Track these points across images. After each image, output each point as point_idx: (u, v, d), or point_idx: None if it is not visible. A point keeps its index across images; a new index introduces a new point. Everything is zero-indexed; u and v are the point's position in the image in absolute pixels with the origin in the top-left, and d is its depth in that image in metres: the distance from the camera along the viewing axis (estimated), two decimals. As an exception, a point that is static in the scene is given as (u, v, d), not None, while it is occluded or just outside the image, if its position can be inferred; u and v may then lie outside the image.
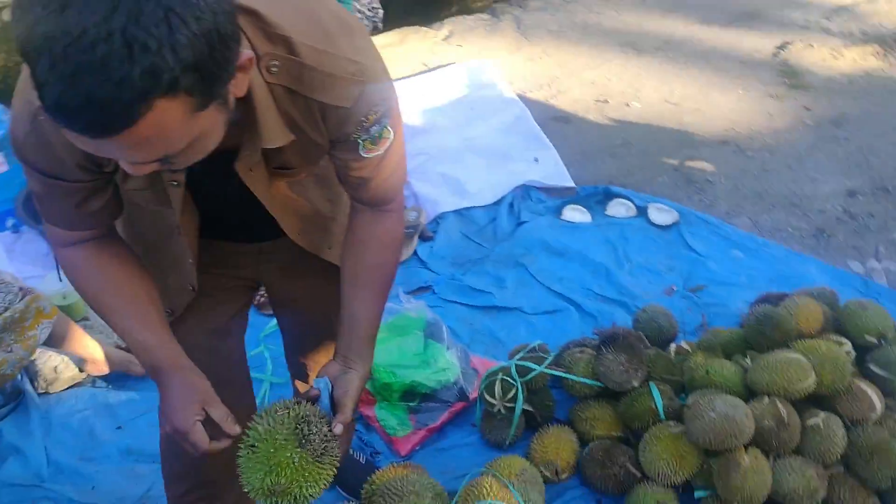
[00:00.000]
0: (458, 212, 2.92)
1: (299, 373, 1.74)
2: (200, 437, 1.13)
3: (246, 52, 0.89)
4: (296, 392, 1.51)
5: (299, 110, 1.03)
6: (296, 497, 1.14)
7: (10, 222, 2.77)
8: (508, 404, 2.06)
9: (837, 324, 2.16)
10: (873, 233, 2.78)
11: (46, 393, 2.24)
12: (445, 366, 2.22)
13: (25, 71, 0.99)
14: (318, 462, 1.15)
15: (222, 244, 1.35)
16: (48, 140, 1.00)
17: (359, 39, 1.06)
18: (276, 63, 0.98)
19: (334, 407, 1.23)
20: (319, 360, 1.68)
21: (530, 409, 2.10)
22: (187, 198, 1.16)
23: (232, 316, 1.51)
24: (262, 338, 2.41)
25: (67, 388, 2.24)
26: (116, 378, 2.27)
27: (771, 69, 3.76)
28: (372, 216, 1.28)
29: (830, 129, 3.32)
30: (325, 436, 1.17)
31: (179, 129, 0.84)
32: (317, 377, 1.26)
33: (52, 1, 0.73)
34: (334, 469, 1.19)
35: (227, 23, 0.81)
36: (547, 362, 2.10)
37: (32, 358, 1.97)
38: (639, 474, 1.90)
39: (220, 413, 1.16)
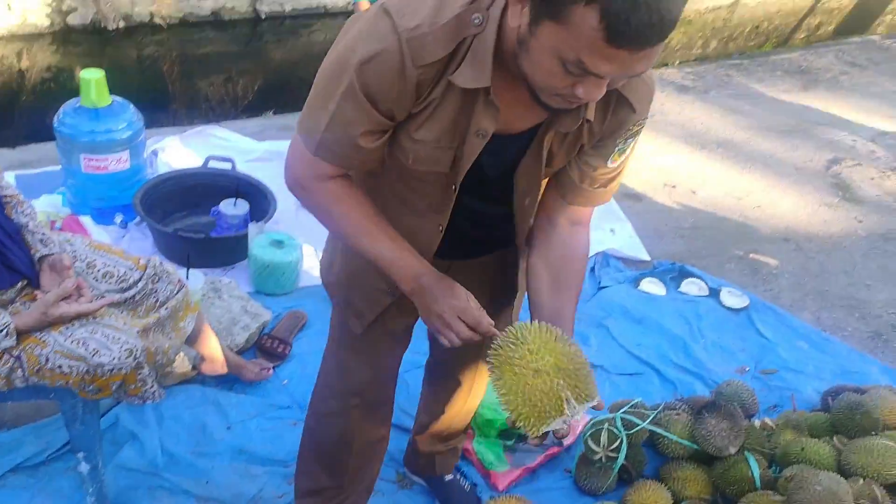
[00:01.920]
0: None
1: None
2: (480, 313, 1.27)
3: None
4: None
5: (601, 99, 1.12)
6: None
7: (118, 218, 2.86)
8: (611, 454, 2.16)
9: (912, 420, 2.32)
10: (927, 343, 2.96)
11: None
12: (544, 410, 2.32)
13: (381, 5, 1.12)
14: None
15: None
16: (402, 66, 1.09)
17: None
18: None
19: None
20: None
21: (625, 462, 2.20)
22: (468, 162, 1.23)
23: (409, 324, 1.62)
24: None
25: (178, 384, 2.31)
26: (226, 380, 2.34)
27: (824, 180, 4.02)
28: (570, 232, 1.37)
29: (881, 243, 3.55)
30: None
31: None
32: None
33: None
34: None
35: None
36: (650, 419, 2.22)
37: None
38: (736, 536, 2.01)
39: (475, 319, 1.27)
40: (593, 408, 1.25)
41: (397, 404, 1.90)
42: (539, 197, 1.37)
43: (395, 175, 1.29)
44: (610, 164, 1.29)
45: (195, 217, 2.92)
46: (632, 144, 1.29)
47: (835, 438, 2.21)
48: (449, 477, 2.12)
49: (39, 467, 2.02)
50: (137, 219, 2.79)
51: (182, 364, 2.31)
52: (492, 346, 1.22)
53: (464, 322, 1.26)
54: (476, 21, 1.10)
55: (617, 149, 1.27)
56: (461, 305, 1.26)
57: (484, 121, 1.17)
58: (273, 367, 2.40)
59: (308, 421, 1.79)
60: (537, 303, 1.36)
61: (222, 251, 2.74)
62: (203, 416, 2.24)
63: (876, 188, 4.00)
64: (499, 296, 1.59)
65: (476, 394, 1.95)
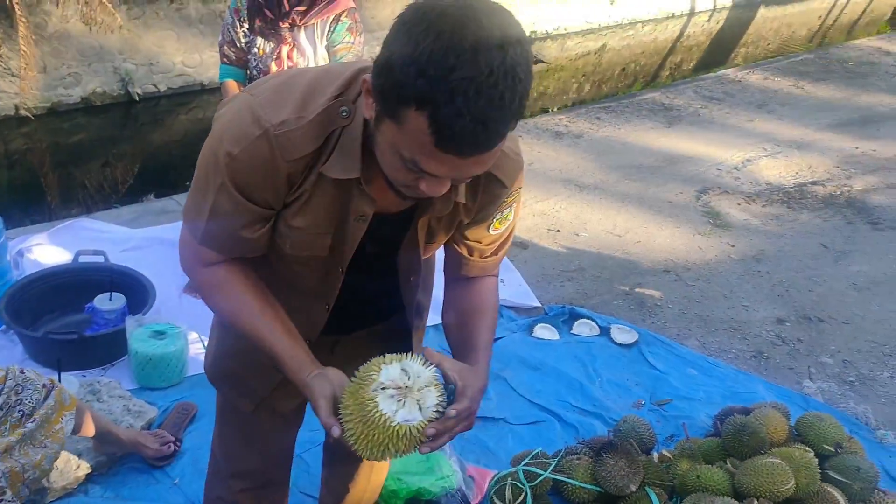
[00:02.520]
0: (436, 326, 3.07)
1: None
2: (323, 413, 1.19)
3: None
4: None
5: (471, 180, 1.17)
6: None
7: (-17, 326, 2.69)
8: (517, 509, 2.16)
9: (796, 434, 2.43)
10: (804, 356, 3.13)
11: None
12: (448, 472, 2.30)
13: (247, 97, 1.14)
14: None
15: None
16: (272, 161, 1.12)
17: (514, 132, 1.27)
18: None
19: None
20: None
21: (533, 514, 2.20)
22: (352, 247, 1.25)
23: (301, 403, 1.58)
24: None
25: (59, 498, 2.15)
26: (111, 486, 2.21)
27: (696, 210, 4.24)
28: (475, 284, 1.40)
29: (753, 265, 3.76)
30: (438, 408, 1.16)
31: (500, 149, 1.03)
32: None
33: (465, 50, 0.92)
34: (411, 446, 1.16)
35: None
36: (551, 468, 2.23)
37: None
38: (646, 574, 2.03)
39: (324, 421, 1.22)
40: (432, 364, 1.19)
41: (297, 486, 1.84)
42: (421, 274, 1.39)
43: (278, 259, 1.29)
44: (493, 233, 1.34)
45: (69, 316, 2.78)
46: (511, 212, 1.34)
47: (728, 462, 2.28)
48: None
49: None
50: (2, 326, 2.63)
51: (62, 478, 2.17)
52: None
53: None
54: (343, 114, 1.12)
55: (495, 219, 1.32)
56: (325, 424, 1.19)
57: (362, 206, 1.20)
58: (173, 449, 2.30)
59: None
60: (451, 347, 1.37)
61: (99, 349, 2.61)
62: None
63: (743, 213, 4.26)
64: None
65: (380, 469, 1.92)
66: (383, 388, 1.14)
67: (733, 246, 3.90)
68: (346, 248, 1.25)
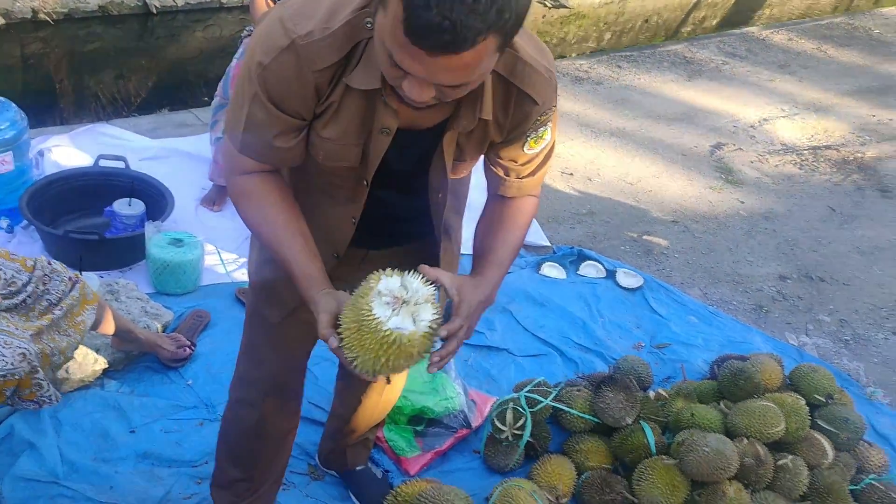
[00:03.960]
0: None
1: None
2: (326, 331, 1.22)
3: None
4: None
5: (500, 97, 1.21)
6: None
7: (4, 223, 2.73)
8: (517, 432, 2.24)
9: (789, 384, 2.51)
10: (802, 312, 3.20)
11: (53, 392, 2.22)
12: (452, 394, 2.38)
13: (279, 9, 1.16)
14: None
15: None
16: (299, 71, 1.14)
17: (545, 48, 1.27)
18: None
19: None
20: None
21: (531, 439, 2.28)
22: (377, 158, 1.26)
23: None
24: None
25: (76, 390, 2.23)
26: (126, 382, 2.29)
27: (709, 165, 4.25)
28: (511, 202, 1.40)
29: (761, 222, 3.79)
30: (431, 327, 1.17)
31: (485, 62, 1.02)
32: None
33: None
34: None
35: None
36: (552, 396, 2.31)
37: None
38: (636, 501, 2.12)
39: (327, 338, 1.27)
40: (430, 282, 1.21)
41: (306, 397, 1.91)
42: (449, 191, 1.39)
43: (315, 169, 1.33)
44: (528, 152, 1.33)
45: (87, 219, 2.83)
46: (546, 130, 1.34)
47: (721, 403, 2.36)
48: (361, 467, 2.15)
49: (-74, 486, 1.93)
50: (24, 222, 2.67)
51: (80, 369, 2.24)
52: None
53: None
54: (368, 25, 1.13)
55: (529, 137, 1.31)
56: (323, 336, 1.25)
57: (386, 119, 1.22)
58: (188, 352, 2.37)
59: (224, 413, 1.79)
60: (473, 259, 1.38)
61: (118, 252, 2.66)
62: (104, 421, 2.18)
63: (755, 171, 4.27)
64: None
65: (393, 387, 1.97)
66: (380, 296, 1.16)
67: (743, 202, 3.93)
68: (370, 159, 1.27)
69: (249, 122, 1.22)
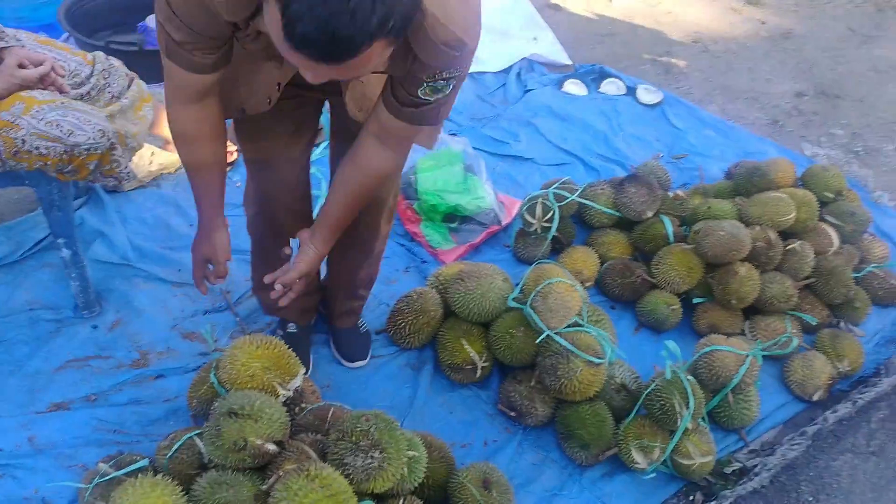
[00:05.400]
0: (471, 76, 3.20)
1: None
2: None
3: None
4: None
5: (401, 50, 1.16)
6: None
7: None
8: (545, 224, 2.42)
9: (801, 185, 2.65)
10: (816, 126, 3.30)
11: (115, 191, 2.39)
12: (483, 194, 2.54)
13: None
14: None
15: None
16: (206, 5, 1.16)
17: (472, 17, 1.19)
18: None
19: None
20: None
21: (557, 233, 2.46)
22: None
23: (306, 144, 1.72)
24: (314, 161, 2.64)
25: (135, 189, 2.39)
26: (182, 182, 2.44)
27: (731, -15, 4.21)
28: (377, 148, 1.43)
29: (781, 42, 3.81)
30: None
31: (376, 61, 1.02)
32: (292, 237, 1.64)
33: None
34: None
35: None
36: (578, 193, 2.47)
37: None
38: (654, 281, 2.32)
39: (220, 268, 1.65)
40: None
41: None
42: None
43: (243, 54, 1.38)
44: (421, 95, 1.29)
45: (122, 35, 2.88)
46: (447, 87, 1.29)
47: (736, 199, 2.52)
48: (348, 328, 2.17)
49: (14, 265, 2.12)
50: (65, 35, 2.73)
51: (140, 168, 2.39)
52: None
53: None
54: None
55: (427, 84, 1.27)
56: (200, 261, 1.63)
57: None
58: (235, 157, 2.52)
59: (248, 228, 1.92)
60: (328, 192, 1.55)
61: (157, 65, 2.72)
62: (165, 215, 2.35)
63: (778, -8, 4.23)
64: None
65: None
66: None
67: (764, 23, 3.93)
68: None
69: (171, 42, 1.26)
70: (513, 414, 1.96)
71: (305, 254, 1.57)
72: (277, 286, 1.58)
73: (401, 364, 2.10)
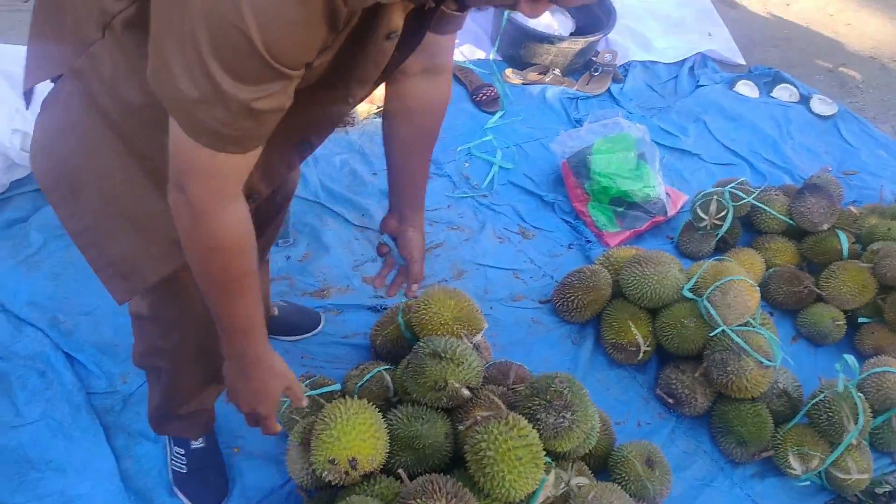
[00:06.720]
0: (644, 63, 3.20)
1: None
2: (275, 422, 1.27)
3: None
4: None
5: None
6: None
7: None
8: (716, 222, 2.42)
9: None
10: None
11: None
12: (653, 183, 2.56)
13: None
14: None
15: None
16: (308, 19, 0.81)
17: None
18: None
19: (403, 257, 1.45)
20: None
21: (725, 233, 2.46)
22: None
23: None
24: (488, 129, 2.72)
25: (326, 132, 2.53)
26: (368, 132, 2.56)
27: (915, 3, 4.03)
28: (428, 83, 1.28)
29: (965, 68, 3.64)
30: None
31: None
32: (381, 233, 1.47)
33: None
34: None
35: None
36: (754, 196, 2.46)
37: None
38: (822, 294, 2.30)
39: (299, 392, 1.27)
40: None
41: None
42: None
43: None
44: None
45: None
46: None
47: (916, 225, 2.45)
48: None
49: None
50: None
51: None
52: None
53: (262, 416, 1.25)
54: None
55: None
56: (265, 415, 1.24)
57: (394, 20, 0.98)
58: None
59: None
60: (392, 164, 1.38)
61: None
62: (351, 161, 2.47)
63: (965, 16, 4.03)
64: None
65: None
66: None
67: (948, 46, 3.77)
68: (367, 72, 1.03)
69: (240, 118, 0.86)
70: (671, 401, 2.00)
71: (412, 239, 1.42)
72: (414, 286, 1.41)
73: (562, 335, 2.17)
